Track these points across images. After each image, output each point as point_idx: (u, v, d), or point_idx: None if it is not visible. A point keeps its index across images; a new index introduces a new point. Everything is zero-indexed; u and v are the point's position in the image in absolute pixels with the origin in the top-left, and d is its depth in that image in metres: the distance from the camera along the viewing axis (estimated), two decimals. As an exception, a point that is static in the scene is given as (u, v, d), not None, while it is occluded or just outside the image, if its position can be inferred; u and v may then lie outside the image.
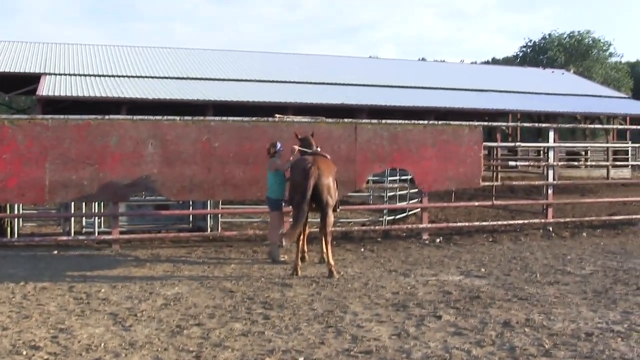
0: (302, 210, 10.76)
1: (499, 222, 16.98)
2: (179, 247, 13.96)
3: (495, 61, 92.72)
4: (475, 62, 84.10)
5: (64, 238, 14.08)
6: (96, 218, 15.26)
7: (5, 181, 12.84)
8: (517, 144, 28.26)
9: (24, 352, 6.67)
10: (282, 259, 12.19)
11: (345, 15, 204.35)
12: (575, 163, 30.62)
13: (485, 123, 18.44)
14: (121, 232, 14.18)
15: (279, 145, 12.50)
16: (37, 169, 12.96)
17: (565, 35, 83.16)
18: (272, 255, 12.31)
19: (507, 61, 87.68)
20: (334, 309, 8.50)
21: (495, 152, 33.96)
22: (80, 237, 14.21)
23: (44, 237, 14.34)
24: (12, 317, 8.13)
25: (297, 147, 12.10)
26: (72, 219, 15.19)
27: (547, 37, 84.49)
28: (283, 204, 12.27)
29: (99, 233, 15.01)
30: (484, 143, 16.14)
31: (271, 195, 12.34)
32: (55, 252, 13.25)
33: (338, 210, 12.10)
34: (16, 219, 15.22)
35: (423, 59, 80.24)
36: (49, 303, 8.89)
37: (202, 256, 12.88)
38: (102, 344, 6.92)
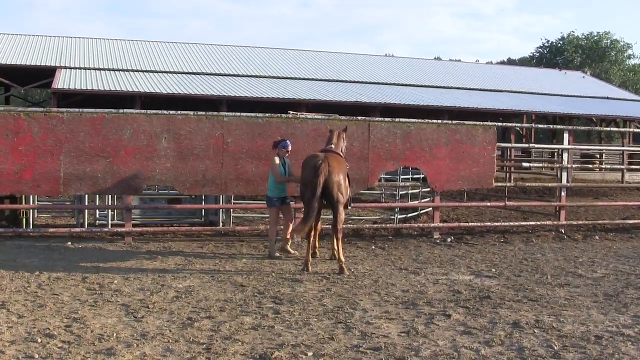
0: (311, 207, 10.85)
1: (511, 223, 16.97)
2: (191, 240, 14.07)
3: (510, 61, 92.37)
4: (491, 62, 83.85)
5: (78, 230, 14.22)
6: (109, 211, 15.39)
7: (21, 173, 12.99)
8: (531, 145, 28.20)
9: (39, 340, 6.79)
10: (277, 255, 12.28)
11: (359, 14, 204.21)
12: (590, 166, 30.46)
13: (500, 123, 18.40)
14: (134, 225, 14.31)
15: (288, 145, 12.52)
16: (52, 162, 13.10)
17: (582, 36, 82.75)
18: (269, 250, 12.46)
19: (523, 62, 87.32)
20: (344, 305, 8.57)
21: (508, 153, 33.79)
22: (94, 229, 14.34)
23: (58, 228, 14.48)
24: (27, 305, 8.26)
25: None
26: (86, 211, 15.34)
27: (564, 37, 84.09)
28: (280, 203, 12.37)
29: (112, 225, 15.14)
30: (498, 143, 16.14)
31: (270, 193, 12.46)
32: (69, 243, 13.39)
33: (350, 207, 12.16)
34: (31, 210, 15.38)
35: (438, 58, 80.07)
36: (63, 293, 9.02)
37: (213, 250, 12.99)
38: (114, 334, 7.02)
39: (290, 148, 12.51)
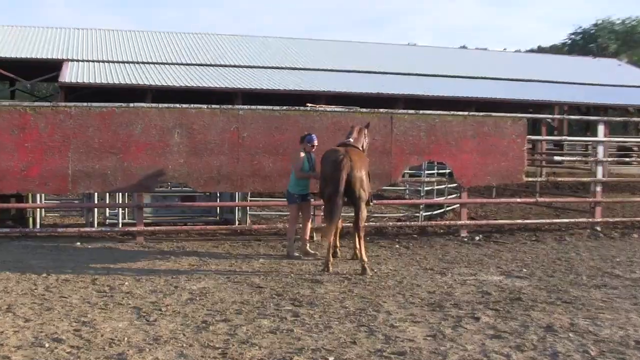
0: (336, 204, 10.80)
1: (543, 221, 16.86)
2: (205, 240, 14.10)
3: (541, 49, 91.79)
4: (520, 51, 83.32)
5: (87, 229, 14.31)
6: (120, 209, 15.46)
7: (27, 170, 13.07)
8: (564, 137, 28.06)
9: (47, 345, 6.81)
10: (296, 255, 12.27)
11: (380, 1, 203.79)
12: (627, 159, 30.18)
13: (530, 115, 18.30)
14: (146, 224, 14.36)
15: (314, 139, 12.47)
16: (60, 158, 13.16)
17: (618, 22, 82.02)
18: (287, 250, 12.46)
19: (554, 49, 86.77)
20: (367, 308, 8.54)
21: (540, 146, 33.63)
22: (104, 229, 14.42)
23: (67, 228, 14.57)
24: (34, 309, 8.30)
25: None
26: (96, 209, 15.42)
27: (599, 23, 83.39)
28: (301, 199, 12.34)
29: (122, 225, 15.22)
30: (528, 136, 16.03)
31: (291, 189, 12.44)
32: (78, 243, 13.46)
33: (371, 204, 12.12)
34: (38, 210, 15.47)
35: (464, 47, 79.76)
36: (72, 295, 9.06)
37: (229, 250, 13.01)
38: (126, 339, 7.04)
39: (315, 142, 12.44)
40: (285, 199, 12.93)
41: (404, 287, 9.85)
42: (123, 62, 37.63)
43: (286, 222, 13.81)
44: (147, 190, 13.98)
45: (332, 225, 10.84)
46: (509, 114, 15.86)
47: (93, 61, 36.89)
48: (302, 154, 12.33)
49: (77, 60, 36.48)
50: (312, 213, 12.92)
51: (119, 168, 13.37)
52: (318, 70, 40.79)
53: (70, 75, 32.94)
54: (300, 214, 12.60)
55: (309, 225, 12.59)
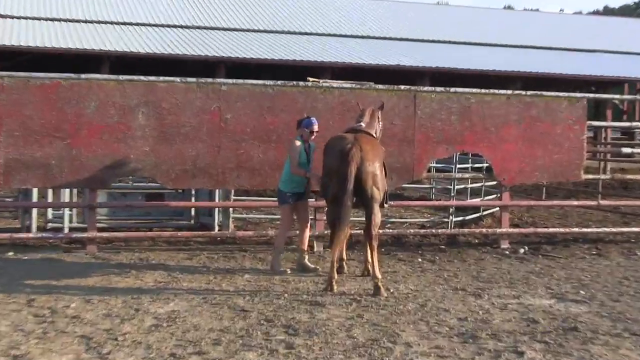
0: (344, 206, 10.72)
1: (607, 229, 16.83)
2: (176, 250, 14.10)
3: (608, 11, 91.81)
4: (580, 12, 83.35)
5: (23, 235, 14.26)
6: (67, 210, 15.44)
7: (-56, 158, 13.08)
8: (635, 124, 28.00)
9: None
10: (283, 269, 12.28)
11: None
12: None
13: (592, 95, 18.24)
14: (99, 229, 14.35)
15: (313, 123, 12.42)
16: (-11, 144, 13.17)
17: None
18: (272, 263, 12.48)
19: (625, 11, 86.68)
20: (380, 338, 8.53)
21: (603, 135, 33.56)
22: (45, 235, 14.37)
23: (-2, 233, 14.56)
24: (-48, 337, 8.29)
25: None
26: (34, 210, 15.39)
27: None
28: (295, 199, 12.33)
29: (69, 230, 15.18)
30: (589, 122, 15.99)
31: (282, 186, 12.43)
32: (11, 253, 13.46)
33: (387, 206, 12.10)
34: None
35: (509, 7, 79.75)
36: (0, 321, 9.04)
37: (206, 263, 13.00)
38: (72, 375, 7.03)
39: (315, 128, 12.36)
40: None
41: (427, 312, 9.83)
42: (72, 21, 37.59)
43: (278, 228, 13.77)
44: (102, 186, 13.96)
45: (339, 232, 10.80)
46: (564, 94, 15.82)
47: (33, 19, 36.82)
48: (299, 143, 12.27)
49: (12, 17, 36.36)
50: (311, 217, 12.89)
51: (65, 157, 13.35)
52: (322, 35, 40.81)
53: (1, 36, 32.87)
54: (295, 218, 12.58)
55: (307, 233, 12.57)
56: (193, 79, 14.04)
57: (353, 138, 11.17)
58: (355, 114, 12.68)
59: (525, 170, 15.20)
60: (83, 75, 13.72)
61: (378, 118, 12.30)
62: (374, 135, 11.98)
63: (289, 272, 12.21)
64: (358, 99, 13.66)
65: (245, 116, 13.87)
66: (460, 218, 18.16)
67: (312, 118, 12.46)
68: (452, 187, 18.93)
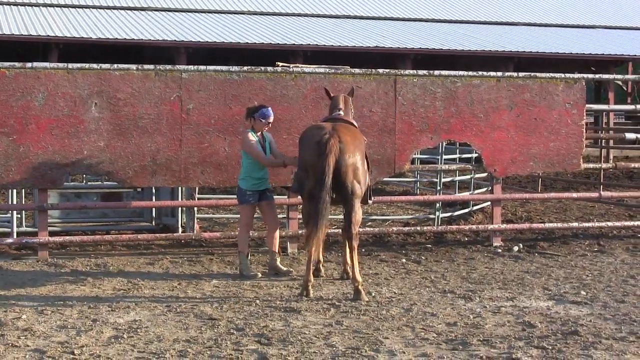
0: (322, 202, 10.76)
1: (610, 224, 16.93)
2: (136, 254, 14.12)
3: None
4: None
5: (-33, 241, 14.26)
6: (14, 213, 15.42)
7: None
8: None
9: None
10: (253, 273, 12.35)
11: None
12: None
13: (591, 75, 18.37)
14: (51, 233, 14.32)
15: (270, 114, 12.46)
16: None
17: None
18: (240, 268, 12.56)
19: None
20: (361, 346, 8.59)
21: (605, 120, 33.69)
22: (-8, 241, 14.37)
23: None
24: None
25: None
26: (-21, 213, 15.37)
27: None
28: (257, 198, 12.43)
29: (18, 234, 15.15)
30: (588, 105, 16.10)
31: (243, 184, 12.52)
32: (-45, 261, 13.44)
33: (370, 202, 12.18)
34: None
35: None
36: (-54, 335, 9.06)
37: (169, 268, 13.04)
38: (25, 393, 7.08)
39: (272, 119, 12.44)
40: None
41: (412, 317, 9.91)
42: (17, 4, 37.39)
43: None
44: (53, 186, 13.94)
45: (315, 232, 10.82)
46: (560, 75, 15.89)
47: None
48: (252, 136, 12.32)
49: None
50: (282, 216, 12.91)
51: (12, 154, 13.32)
52: (292, 15, 40.78)
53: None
54: (263, 218, 12.64)
55: (277, 233, 12.63)
56: (151, 66, 14.01)
57: (331, 127, 11.21)
58: (329, 102, 12.73)
59: (519, 160, 15.27)
60: (29, 64, 13.69)
61: (350, 105, 12.36)
62: (354, 124, 12.05)
63: (260, 275, 12.27)
64: (334, 85, 13.72)
65: (209, 106, 13.88)
66: (448, 214, 18.23)
67: (268, 108, 12.49)
68: (438, 180, 19.03)
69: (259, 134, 12.42)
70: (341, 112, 11.95)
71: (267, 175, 12.58)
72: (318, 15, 41.12)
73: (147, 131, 13.69)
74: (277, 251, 12.56)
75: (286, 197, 13.94)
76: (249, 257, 12.60)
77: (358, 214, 11.29)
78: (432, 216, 17.86)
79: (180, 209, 15.62)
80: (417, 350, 8.52)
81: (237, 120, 13.85)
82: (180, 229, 15.56)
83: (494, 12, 45.24)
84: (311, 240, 10.91)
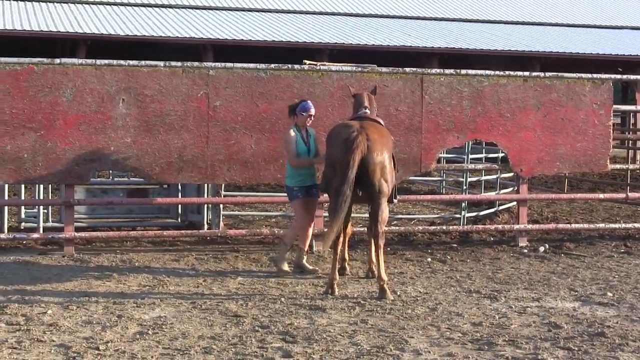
0: (343, 197, 10.73)
1: (637, 225, 16.83)
2: (162, 251, 14.14)
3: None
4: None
5: (-5, 236, 14.30)
6: (41, 208, 15.45)
7: None
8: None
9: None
10: (285, 269, 12.33)
11: None
12: None
13: (619, 76, 18.23)
14: (78, 229, 14.36)
15: (310, 107, 12.47)
16: (-47, 135, 13.18)
17: None
18: (276, 258, 12.57)
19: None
20: (387, 345, 8.56)
21: (632, 120, 33.52)
22: (18, 236, 14.39)
23: (-34, 234, 14.57)
24: None
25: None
26: (6, 208, 15.41)
27: None
28: (305, 193, 12.35)
29: (44, 230, 15.19)
30: (616, 106, 16.00)
31: (289, 181, 12.47)
32: (-18, 256, 13.49)
33: (395, 201, 12.13)
34: None
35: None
36: (-28, 329, 9.09)
37: (195, 265, 13.04)
38: (50, 388, 7.07)
39: (313, 112, 12.40)
40: (276, 194, 12.91)
41: (438, 317, 9.87)
42: (44, 1, 37.50)
43: (273, 225, 13.81)
44: (80, 182, 13.96)
45: (334, 226, 10.81)
46: (588, 75, 15.81)
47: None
48: (293, 133, 12.30)
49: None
50: (314, 215, 12.85)
51: (39, 150, 13.36)
52: (319, 13, 40.77)
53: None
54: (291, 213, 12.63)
55: (310, 232, 12.58)
56: (178, 63, 14.03)
57: (359, 125, 11.18)
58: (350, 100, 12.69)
59: (545, 161, 15.21)
60: (57, 60, 13.73)
61: (374, 103, 12.34)
62: (381, 122, 12.02)
63: (289, 272, 12.23)
64: (361, 84, 13.69)
65: (235, 103, 13.88)
66: (474, 214, 18.18)
67: (307, 101, 12.48)
68: (464, 179, 18.96)
69: (303, 130, 12.40)
70: (367, 111, 11.92)
71: (313, 171, 12.51)
72: (344, 14, 41.10)
73: (174, 128, 13.70)
74: (305, 249, 12.52)
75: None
76: (304, 255, 12.51)
77: (385, 212, 11.24)
78: (457, 216, 17.82)
79: (206, 205, 15.63)
80: (443, 349, 8.49)
81: (264, 117, 13.85)
82: (205, 226, 15.57)
83: (521, 12, 45.07)
84: (328, 233, 10.89)
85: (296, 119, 12.37)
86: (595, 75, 15.79)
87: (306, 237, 12.46)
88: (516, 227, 15.56)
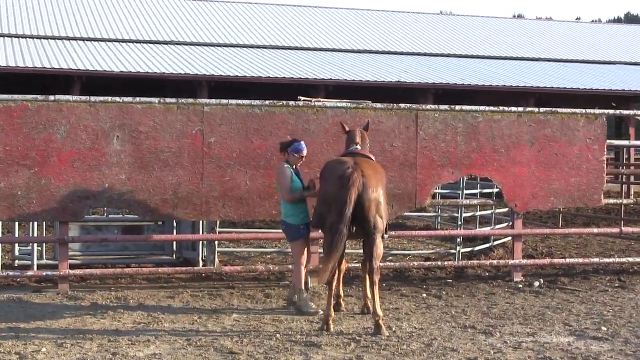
0: (339, 234, 10.80)
1: (631, 259, 16.88)
2: (156, 287, 14.15)
3: (630, 18, 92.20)
4: (599, 20, 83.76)
5: (-11, 274, 14.29)
6: (35, 245, 15.46)
7: None
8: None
9: None
10: (313, 310, 12.23)
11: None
12: None
13: (612, 111, 18.34)
14: (72, 266, 14.35)
15: (303, 148, 12.54)
16: (-56, 173, 13.19)
17: None
18: (299, 305, 12.38)
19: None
20: (382, 381, 8.59)
21: (626, 155, 33.60)
22: (11, 273, 14.39)
23: (-41, 271, 14.56)
24: None
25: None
26: (0, 245, 15.40)
27: None
28: (308, 229, 12.37)
29: (38, 267, 15.19)
30: (609, 141, 16.07)
31: (287, 218, 12.49)
32: (-24, 293, 13.47)
33: (386, 236, 12.16)
34: None
35: (519, 16, 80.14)
36: (-35, 368, 9.10)
37: (189, 301, 13.05)
38: None
39: (305, 152, 12.48)
40: (271, 230, 12.89)
41: (433, 353, 9.90)
42: (40, 37, 37.66)
43: (269, 262, 13.81)
44: (74, 219, 13.98)
45: (329, 262, 10.83)
46: (581, 110, 15.87)
47: (-3, 35, 36.87)
48: (287, 169, 12.35)
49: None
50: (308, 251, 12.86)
51: (33, 187, 13.38)
52: (314, 49, 40.95)
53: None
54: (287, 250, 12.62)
55: (305, 268, 12.59)
56: (173, 100, 14.08)
57: (353, 162, 11.25)
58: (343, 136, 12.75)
59: (539, 195, 15.25)
60: (51, 97, 13.76)
61: (367, 139, 12.41)
62: (372, 158, 12.09)
63: (321, 313, 11.90)
64: (355, 120, 13.77)
65: (230, 140, 13.93)
66: (469, 249, 18.22)
67: (301, 142, 12.53)
68: (459, 215, 19.01)
69: (294, 167, 12.45)
70: (358, 147, 12.01)
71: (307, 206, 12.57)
72: (340, 50, 41.29)
73: (169, 164, 13.74)
74: (301, 287, 12.50)
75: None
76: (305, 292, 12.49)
77: (379, 248, 11.30)
78: (452, 251, 17.85)
79: (201, 242, 15.63)
80: (438, 385, 8.51)
81: (259, 154, 13.90)
82: (200, 263, 15.57)
83: (515, 48, 45.32)
84: (322, 270, 10.93)
85: (287, 157, 12.42)
86: (589, 111, 15.86)
87: (301, 274, 12.43)
88: (511, 262, 15.59)
